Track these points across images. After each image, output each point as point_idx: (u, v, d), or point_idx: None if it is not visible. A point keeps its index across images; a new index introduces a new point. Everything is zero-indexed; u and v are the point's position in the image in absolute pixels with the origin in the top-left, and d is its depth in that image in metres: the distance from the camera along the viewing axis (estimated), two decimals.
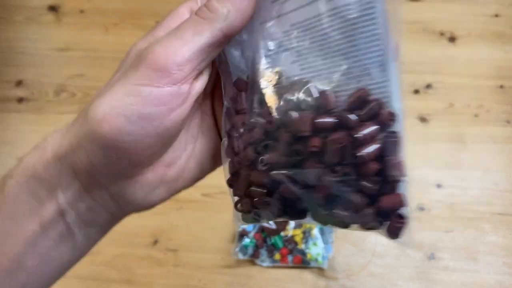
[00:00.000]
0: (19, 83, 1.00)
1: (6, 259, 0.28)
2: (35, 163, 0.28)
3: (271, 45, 0.27)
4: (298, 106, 0.26)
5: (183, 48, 0.25)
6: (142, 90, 0.25)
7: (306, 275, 0.79)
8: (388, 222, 0.26)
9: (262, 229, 0.80)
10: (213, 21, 0.25)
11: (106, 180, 0.28)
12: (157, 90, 0.25)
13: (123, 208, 0.30)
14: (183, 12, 0.29)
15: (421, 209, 0.83)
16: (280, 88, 0.27)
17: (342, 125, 0.25)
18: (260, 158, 0.27)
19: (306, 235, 0.79)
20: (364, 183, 0.25)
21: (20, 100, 0.98)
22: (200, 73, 0.27)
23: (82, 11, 1.06)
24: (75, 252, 0.30)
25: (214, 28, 0.25)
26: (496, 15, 0.97)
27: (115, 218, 0.31)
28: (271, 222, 0.79)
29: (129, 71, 0.26)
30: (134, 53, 0.28)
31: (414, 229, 0.82)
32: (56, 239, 0.29)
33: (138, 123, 0.25)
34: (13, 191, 0.28)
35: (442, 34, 0.97)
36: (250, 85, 0.28)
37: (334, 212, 0.27)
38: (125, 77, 0.26)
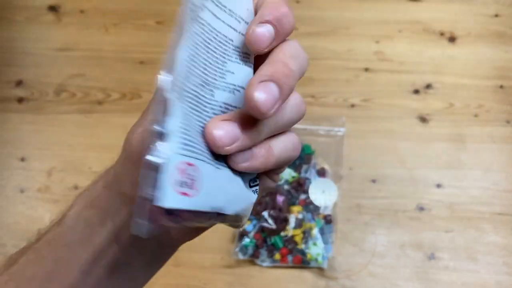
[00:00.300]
0: (19, 83, 1.00)
1: None
2: (90, 193, 0.31)
3: None
4: None
5: None
6: None
7: (306, 275, 0.79)
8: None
9: (262, 229, 0.80)
10: None
11: None
12: None
13: (171, 232, 0.31)
14: None
15: (421, 209, 0.83)
16: None
17: None
18: None
19: (306, 235, 0.79)
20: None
21: (20, 100, 0.98)
22: None
23: (82, 11, 1.06)
24: (127, 284, 0.32)
25: None
26: (496, 15, 0.97)
27: (164, 244, 0.32)
28: (270, 222, 0.79)
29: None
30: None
31: (414, 229, 0.82)
32: (107, 268, 0.30)
33: None
34: (71, 220, 0.31)
35: (442, 34, 0.97)
36: None
37: None
38: (151, 104, 0.29)
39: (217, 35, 0.26)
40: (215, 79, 0.26)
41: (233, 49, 0.27)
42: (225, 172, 0.26)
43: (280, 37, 0.26)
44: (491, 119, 0.89)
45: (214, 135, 0.24)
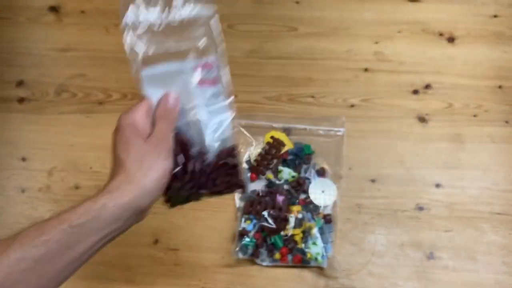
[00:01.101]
0: (20, 83, 1.00)
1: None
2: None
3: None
4: None
5: None
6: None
7: (306, 275, 0.80)
8: None
9: (262, 229, 0.80)
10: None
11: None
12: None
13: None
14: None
15: (420, 209, 0.83)
16: None
17: None
18: None
19: (306, 234, 0.79)
20: None
21: (21, 100, 0.98)
22: None
23: (83, 12, 1.06)
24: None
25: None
26: (495, 16, 0.98)
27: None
28: (270, 221, 0.79)
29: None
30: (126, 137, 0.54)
31: (414, 229, 0.82)
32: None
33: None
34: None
35: (441, 34, 0.97)
36: None
37: None
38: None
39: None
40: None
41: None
42: None
43: None
44: (490, 119, 0.89)
45: None
